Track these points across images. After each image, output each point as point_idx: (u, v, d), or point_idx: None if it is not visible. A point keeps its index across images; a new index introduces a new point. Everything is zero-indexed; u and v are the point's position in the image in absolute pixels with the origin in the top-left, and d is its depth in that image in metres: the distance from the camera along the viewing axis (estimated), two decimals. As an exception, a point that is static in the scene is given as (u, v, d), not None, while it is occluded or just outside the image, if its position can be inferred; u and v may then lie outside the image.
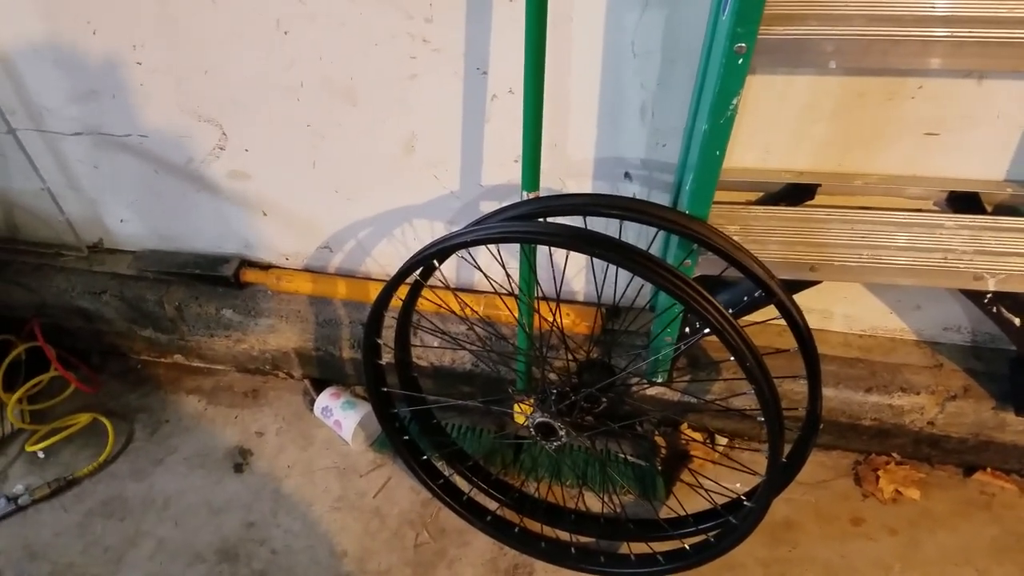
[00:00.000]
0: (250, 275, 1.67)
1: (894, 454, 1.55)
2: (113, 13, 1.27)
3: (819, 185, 1.25)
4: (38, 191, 1.63)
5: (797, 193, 1.27)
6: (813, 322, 1.51)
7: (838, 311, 1.50)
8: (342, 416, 1.64)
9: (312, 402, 1.73)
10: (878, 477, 1.52)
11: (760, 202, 1.31)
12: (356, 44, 1.21)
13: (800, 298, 1.47)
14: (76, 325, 1.80)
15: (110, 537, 1.54)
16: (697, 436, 1.61)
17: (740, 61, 0.90)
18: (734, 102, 0.96)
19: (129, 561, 1.49)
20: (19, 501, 1.56)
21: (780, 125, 1.21)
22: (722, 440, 1.62)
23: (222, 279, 1.66)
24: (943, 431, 1.46)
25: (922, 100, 1.13)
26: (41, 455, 1.67)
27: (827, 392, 1.46)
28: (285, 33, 1.22)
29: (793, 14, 0.92)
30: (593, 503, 1.50)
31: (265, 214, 1.56)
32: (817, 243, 1.19)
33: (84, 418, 1.72)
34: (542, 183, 1.31)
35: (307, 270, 1.67)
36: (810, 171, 1.26)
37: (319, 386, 1.76)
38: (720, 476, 1.43)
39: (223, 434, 1.73)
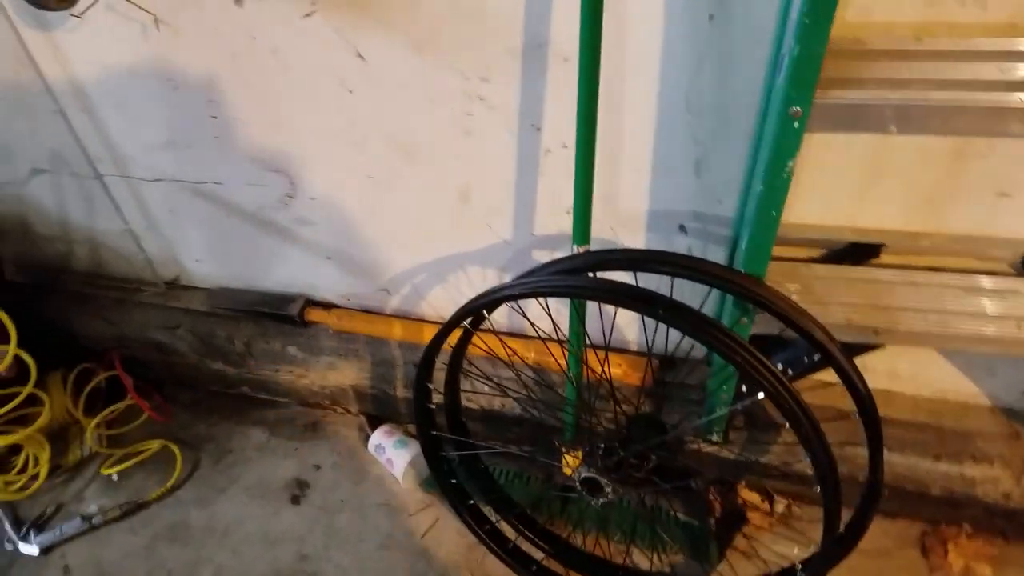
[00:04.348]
0: (314, 315, 1.73)
1: (965, 525, 1.46)
2: (193, 70, 1.35)
3: (884, 244, 1.21)
4: (121, 231, 1.74)
5: (861, 251, 1.23)
6: (879, 382, 1.46)
7: (906, 372, 1.43)
8: (394, 454, 1.67)
9: (367, 438, 1.76)
10: (947, 550, 1.43)
11: (822, 259, 1.27)
12: (415, 102, 1.25)
13: (866, 356, 1.42)
14: (151, 357, 1.91)
15: (173, 561, 1.60)
16: (754, 497, 1.55)
17: (795, 125, 0.89)
18: (789, 164, 0.94)
19: (189, 586, 1.55)
20: (93, 521, 1.65)
21: (843, 181, 1.18)
22: (781, 502, 1.56)
23: (288, 318, 1.72)
24: (1020, 505, 1.37)
25: (993, 160, 1.08)
26: (115, 478, 1.76)
27: (893, 458, 1.40)
28: (350, 92, 1.27)
29: (851, 78, 0.91)
30: (642, 560, 1.46)
31: (329, 258, 1.62)
32: (882, 306, 1.14)
33: (155, 445, 1.80)
34: (595, 234, 1.32)
35: (366, 311, 1.72)
36: (874, 229, 1.22)
37: (374, 422, 1.80)
38: (777, 539, 1.38)
39: (283, 465, 1.79)
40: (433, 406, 1.37)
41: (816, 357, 1.16)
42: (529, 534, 1.49)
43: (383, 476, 1.72)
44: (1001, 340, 1.07)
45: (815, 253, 1.28)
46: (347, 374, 1.74)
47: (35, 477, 1.70)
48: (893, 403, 1.46)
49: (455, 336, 1.25)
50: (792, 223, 1.26)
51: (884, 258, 1.22)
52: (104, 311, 1.88)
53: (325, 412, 1.91)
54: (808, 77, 0.85)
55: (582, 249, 1.18)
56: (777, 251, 1.26)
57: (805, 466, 1.41)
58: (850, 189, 1.19)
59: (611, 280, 1.04)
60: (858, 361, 1.43)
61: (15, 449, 1.72)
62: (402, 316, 1.69)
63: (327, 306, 1.75)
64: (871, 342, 1.14)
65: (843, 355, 1.08)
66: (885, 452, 1.39)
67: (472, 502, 1.49)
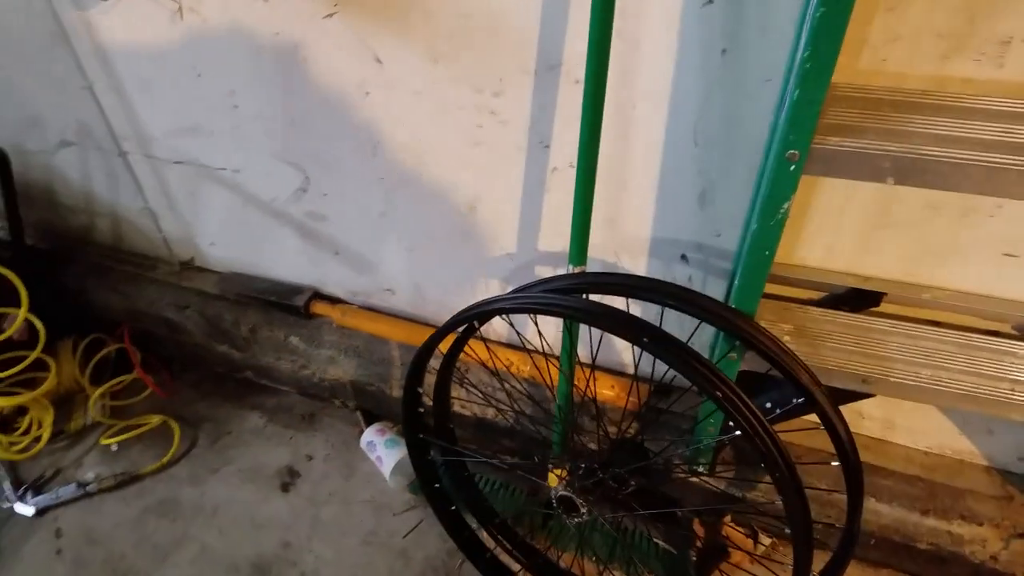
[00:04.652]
0: (319, 308, 1.76)
1: (951, 584, 1.43)
2: (216, 60, 1.39)
3: (884, 293, 1.19)
4: (140, 209, 1.79)
5: (861, 299, 1.22)
6: (874, 431, 1.45)
7: (902, 423, 1.41)
8: (384, 453, 1.69)
9: (362, 434, 1.78)
10: (930, 607, 1.40)
11: (821, 303, 1.26)
12: (428, 110, 1.27)
13: (863, 405, 1.40)
14: (161, 333, 1.95)
15: (160, 535, 1.63)
16: (738, 533, 1.54)
17: (792, 168, 0.89)
18: (784, 206, 0.94)
19: (173, 561, 1.58)
20: (88, 488, 1.70)
21: (847, 226, 1.17)
22: (766, 540, 1.54)
23: (294, 308, 1.75)
24: (1007, 568, 1.33)
25: (1001, 219, 1.06)
26: (114, 448, 1.81)
27: (880, 508, 1.38)
28: (366, 94, 1.29)
29: (851, 126, 0.90)
30: (617, 583, 1.46)
31: (337, 253, 1.65)
32: (874, 355, 1.12)
33: (156, 420, 1.84)
34: (597, 255, 1.33)
35: (370, 308, 1.74)
36: (876, 277, 1.21)
37: (371, 419, 1.82)
38: (756, 576, 1.37)
39: (276, 452, 1.82)
40: (422, 410, 1.38)
41: (799, 400, 1.15)
42: (508, 546, 1.49)
43: (373, 473, 1.74)
44: (993, 402, 1.05)
45: (815, 296, 1.27)
46: (346, 369, 1.77)
47: (37, 440, 1.75)
48: (887, 454, 1.44)
49: (449, 342, 1.26)
50: (793, 264, 1.25)
51: (884, 308, 1.21)
52: (119, 285, 1.93)
53: (324, 404, 1.93)
54: (807, 121, 0.84)
55: (577, 270, 1.18)
56: (776, 290, 1.27)
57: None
58: (855, 235, 1.18)
59: (600, 304, 1.04)
60: (855, 409, 1.42)
61: (21, 411, 1.77)
62: (405, 318, 1.71)
63: (333, 300, 1.77)
64: (859, 390, 1.13)
65: (827, 399, 1.06)
66: (873, 502, 1.39)
67: (454, 508, 1.50)
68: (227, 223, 1.73)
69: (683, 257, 1.30)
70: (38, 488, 1.71)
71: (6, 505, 1.68)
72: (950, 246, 1.12)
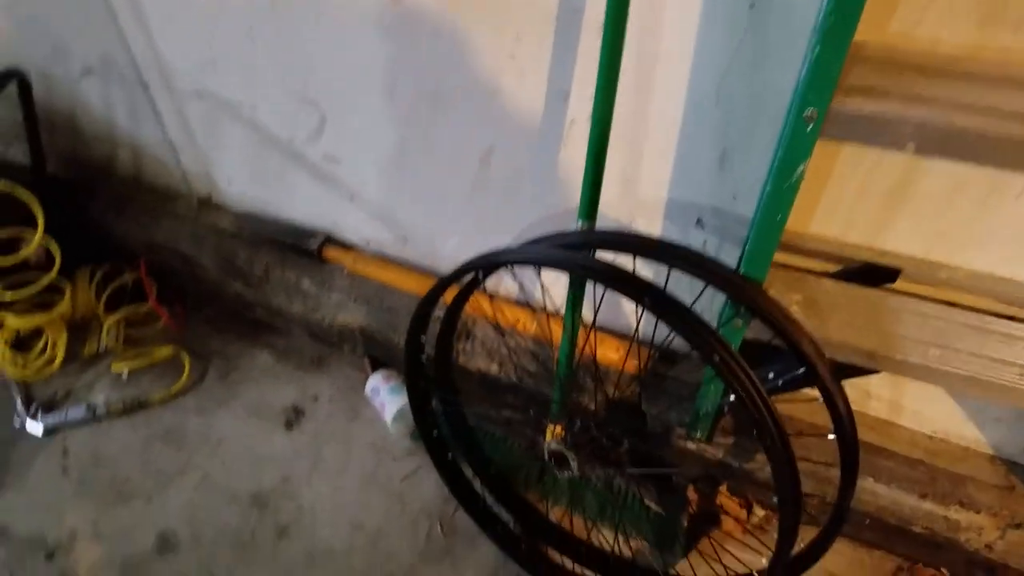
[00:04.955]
0: (331, 252, 1.76)
1: (943, 569, 1.42)
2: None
3: (900, 270, 1.16)
4: (160, 141, 1.80)
5: (877, 273, 1.19)
6: (881, 412, 1.43)
7: (909, 405, 1.39)
8: (387, 399, 1.71)
9: (367, 379, 1.80)
10: (919, 590, 1.39)
11: (836, 275, 1.23)
12: (446, 54, 1.24)
13: (872, 384, 1.38)
14: (178, 267, 1.97)
15: (164, 462, 1.68)
16: (732, 503, 1.53)
17: (809, 128, 0.86)
18: (800, 168, 0.91)
19: (175, 487, 1.63)
20: (96, 412, 1.74)
21: (868, 199, 1.13)
22: (759, 512, 1.54)
23: (306, 251, 1.76)
24: (1001, 558, 1.32)
25: (1029, 200, 1.02)
26: (125, 376, 1.84)
27: (878, 489, 1.36)
28: (383, 33, 1.27)
29: (874, 88, 0.86)
30: (608, 539, 1.47)
31: (352, 198, 1.64)
32: (883, 330, 1.10)
33: (167, 351, 1.88)
34: (611, 215, 1.31)
35: (382, 256, 1.74)
36: (893, 252, 1.17)
37: (377, 365, 1.83)
38: (746, 549, 1.37)
39: (283, 391, 1.85)
40: (425, 358, 1.39)
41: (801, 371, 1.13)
42: (501, 496, 1.51)
43: (375, 418, 1.76)
44: (999, 387, 1.02)
45: (830, 268, 1.24)
46: (356, 316, 1.77)
47: (51, 362, 1.80)
48: (891, 436, 1.42)
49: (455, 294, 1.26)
50: (808, 234, 1.22)
51: (899, 285, 1.18)
52: (139, 216, 1.95)
53: (332, 348, 1.95)
54: (827, 80, 0.81)
55: (586, 226, 1.17)
56: (789, 260, 1.24)
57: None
58: (875, 208, 1.14)
59: (602, 261, 1.03)
60: (863, 388, 1.40)
61: (38, 334, 1.81)
62: (417, 268, 1.71)
63: (346, 246, 1.78)
64: (864, 365, 1.10)
65: (827, 371, 1.05)
66: (871, 482, 1.37)
67: (451, 456, 1.51)
68: (244, 162, 1.74)
69: (698, 221, 1.28)
70: (49, 408, 1.76)
71: (17, 423, 1.73)
72: (973, 226, 1.08)
